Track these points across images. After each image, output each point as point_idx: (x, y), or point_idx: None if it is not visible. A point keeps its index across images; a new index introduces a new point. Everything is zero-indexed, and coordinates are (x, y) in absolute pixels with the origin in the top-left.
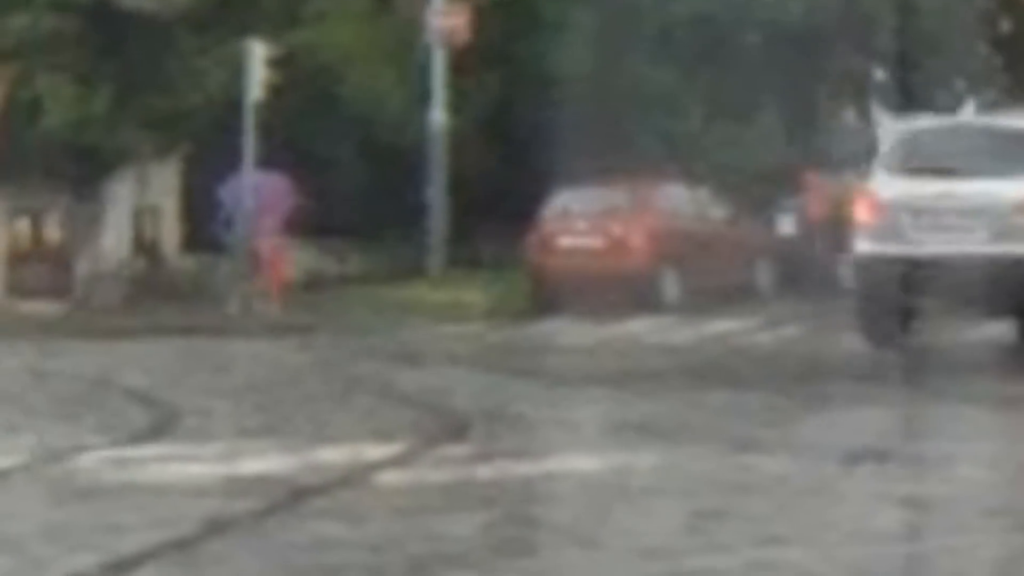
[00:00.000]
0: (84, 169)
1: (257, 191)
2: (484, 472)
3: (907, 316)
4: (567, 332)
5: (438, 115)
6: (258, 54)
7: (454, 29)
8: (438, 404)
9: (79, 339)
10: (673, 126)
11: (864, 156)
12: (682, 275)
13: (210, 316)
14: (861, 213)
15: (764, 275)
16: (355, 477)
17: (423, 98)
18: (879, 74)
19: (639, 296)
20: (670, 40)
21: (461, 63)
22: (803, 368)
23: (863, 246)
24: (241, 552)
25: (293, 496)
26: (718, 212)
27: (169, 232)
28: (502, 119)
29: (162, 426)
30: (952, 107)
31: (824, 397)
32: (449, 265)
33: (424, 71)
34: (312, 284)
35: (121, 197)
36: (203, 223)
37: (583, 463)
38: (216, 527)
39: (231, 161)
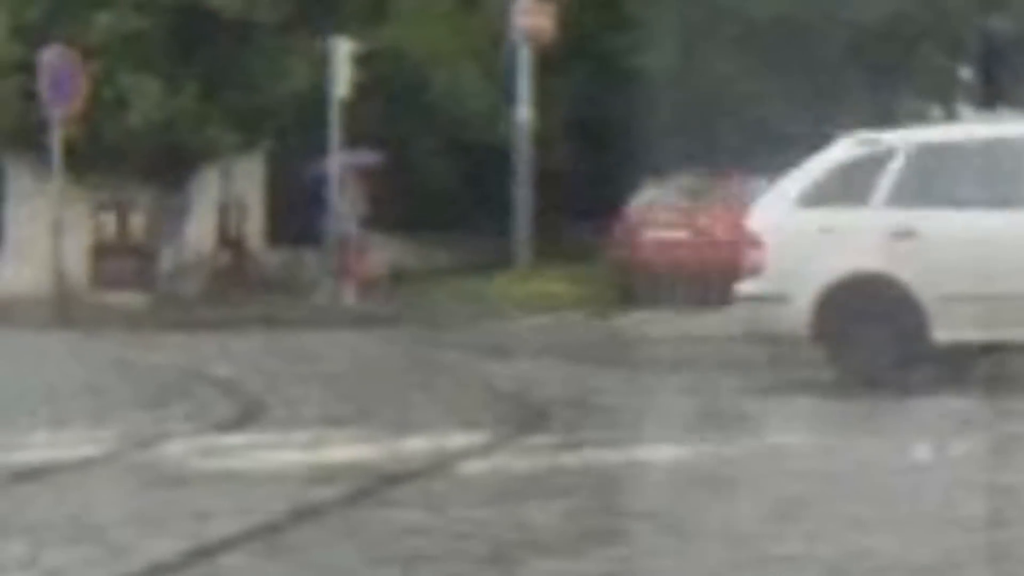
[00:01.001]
0: (170, 164)
1: (343, 178)
2: (569, 460)
3: None
4: (652, 323)
5: (524, 111)
6: (344, 51)
7: (540, 27)
8: (523, 394)
9: (164, 331)
10: (756, 121)
11: None
12: None
13: (295, 308)
14: None
15: None
16: (440, 466)
17: (509, 95)
18: (964, 72)
19: (724, 288)
20: (754, 36)
21: (547, 60)
22: None
23: None
24: (326, 539)
25: (378, 484)
26: None
27: (253, 225)
28: (588, 115)
29: (248, 415)
30: None
31: (908, 385)
32: (535, 258)
33: (510, 68)
34: (399, 277)
35: (206, 191)
36: (287, 217)
37: (668, 452)
38: (301, 514)
39: (316, 157)
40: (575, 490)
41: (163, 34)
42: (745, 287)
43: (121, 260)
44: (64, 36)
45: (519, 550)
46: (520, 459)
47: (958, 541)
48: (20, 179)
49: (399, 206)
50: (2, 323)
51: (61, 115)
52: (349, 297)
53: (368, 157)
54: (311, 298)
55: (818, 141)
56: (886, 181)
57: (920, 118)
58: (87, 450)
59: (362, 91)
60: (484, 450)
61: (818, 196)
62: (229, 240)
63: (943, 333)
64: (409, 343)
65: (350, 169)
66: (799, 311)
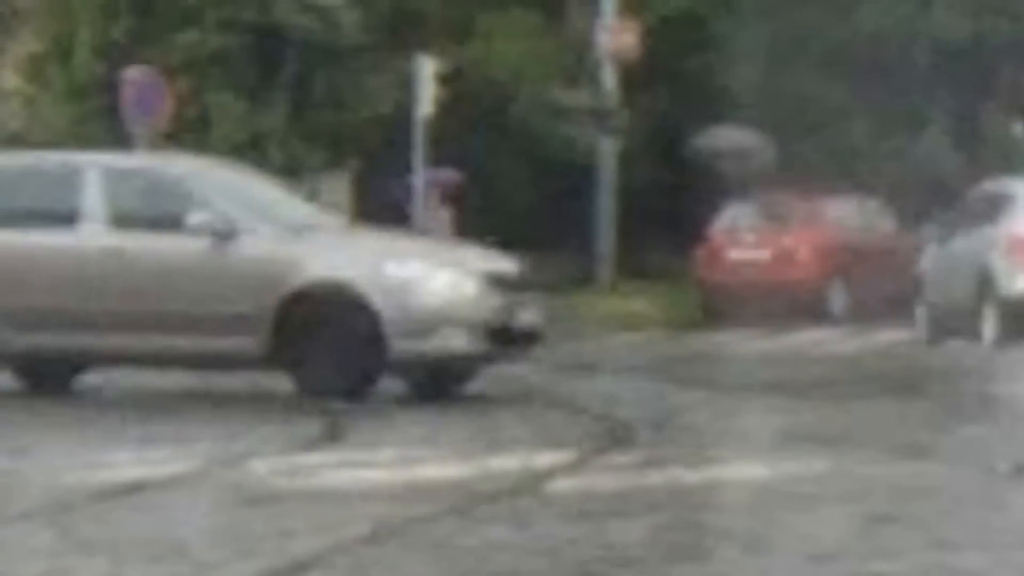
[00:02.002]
0: None
1: (427, 195)
2: (654, 479)
3: None
4: (735, 342)
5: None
6: (428, 70)
7: (624, 45)
8: (608, 412)
9: None
10: (841, 140)
11: None
12: (849, 286)
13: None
14: None
15: None
16: (526, 484)
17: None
18: None
19: (807, 307)
20: (838, 56)
21: (631, 79)
22: (969, 377)
23: None
24: (412, 557)
25: (465, 502)
26: (886, 224)
27: None
28: (672, 133)
29: (333, 433)
30: None
31: (990, 406)
32: (617, 276)
33: (594, 87)
34: None
35: None
36: None
37: (752, 470)
38: (387, 532)
39: (400, 176)
40: (660, 508)
41: (247, 53)
42: None
43: None
44: (147, 55)
45: (605, 567)
46: (606, 477)
47: None
48: None
49: (483, 224)
50: None
51: (145, 134)
52: None
53: (450, 174)
54: None
55: (901, 160)
56: None
57: (1004, 134)
58: (173, 468)
59: (446, 109)
60: (570, 468)
61: None
62: None
63: None
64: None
65: (434, 186)
66: None
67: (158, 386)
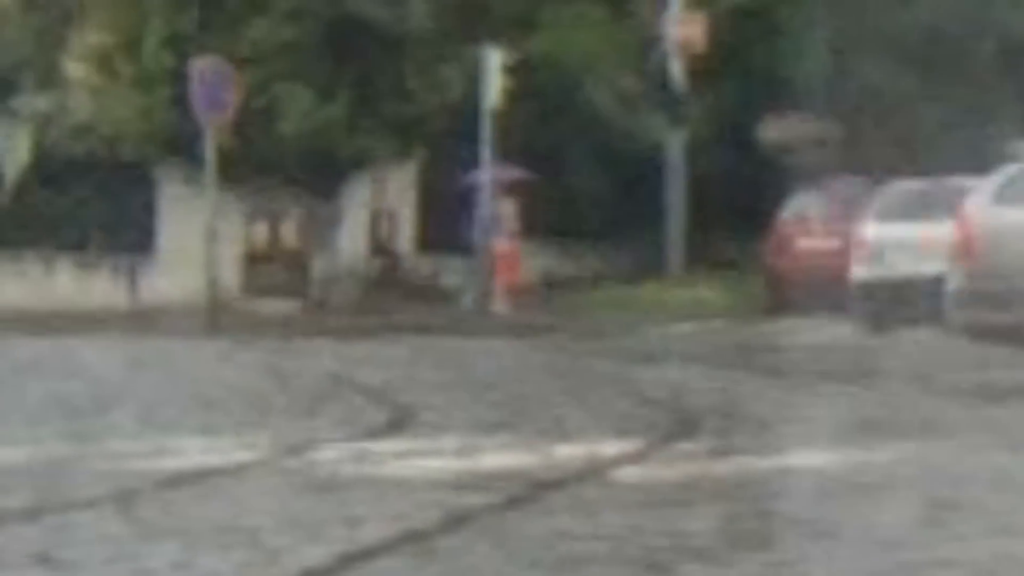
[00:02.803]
0: (321, 173)
1: (493, 191)
2: (721, 468)
3: None
4: (803, 331)
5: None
6: (495, 61)
7: (691, 37)
8: (675, 401)
9: (315, 337)
10: (908, 129)
11: None
12: None
13: (446, 315)
14: None
15: None
16: (592, 473)
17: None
18: None
19: None
20: (904, 47)
21: (698, 69)
22: None
23: None
24: (478, 545)
25: (530, 490)
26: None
27: (405, 234)
28: (739, 123)
29: (399, 421)
30: None
31: None
32: (687, 265)
33: (661, 78)
34: (551, 285)
35: (358, 200)
36: (438, 225)
37: (819, 459)
38: (453, 521)
39: (467, 166)
40: (726, 496)
41: (316, 44)
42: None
43: (274, 269)
44: (216, 46)
45: (671, 556)
46: (672, 466)
47: None
48: (172, 188)
49: (551, 215)
50: (155, 331)
51: (213, 124)
52: (499, 305)
53: (518, 172)
54: (460, 305)
55: (968, 150)
56: None
57: None
58: (239, 456)
59: (514, 100)
60: (636, 457)
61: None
62: (380, 248)
63: None
64: (562, 350)
65: (500, 182)
66: None
67: (223, 373)
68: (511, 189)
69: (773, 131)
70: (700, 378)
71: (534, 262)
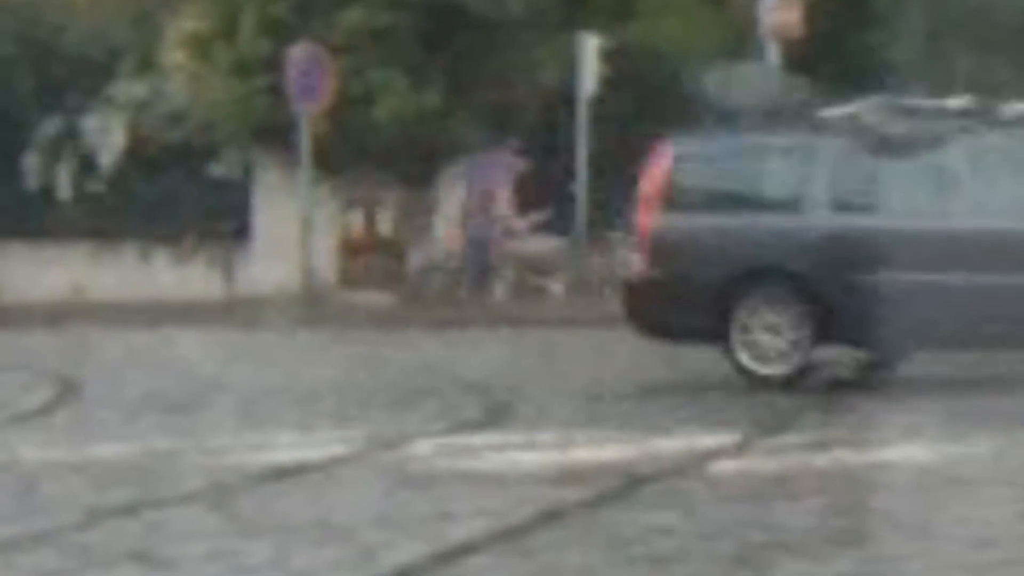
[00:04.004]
0: (417, 160)
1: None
2: (818, 461)
3: None
4: None
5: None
6: (591, 47)
7: (787, 23)
8: (772, 394)
9: (412, 329)
10: None
11: None
12: None
13: (543, 305)
14: None
15: None
16: (689, 466)
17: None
18: None
19: None
20: (999, 35)
21: (793, 56)
22: None
23: None
24: (574, 540)
25: (627, 485)
26: None
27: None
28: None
29: (495, 415)
30: None
31: None
32: None
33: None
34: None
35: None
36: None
37: (917, 453)
38: (549, 515)
39: (563, 154)
40: (824, 491)
41: (411, 30)
42: None
43: (369, 259)
44: (311, 32)
45: (767, 551)
46: (769, 459)
47: None
48: (268, 176)
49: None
50: (250, 322)
51: (309, 111)
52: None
53: (515, 159)
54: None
55: None
56: None
57: None
58: (335, 450)
59: (610, 87)
60: (733, 450)
61: None
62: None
63: None
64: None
65: (501, 170)
66: None
67: (319, 365)
68: (512, 180)
69: (867, 119)
70: None
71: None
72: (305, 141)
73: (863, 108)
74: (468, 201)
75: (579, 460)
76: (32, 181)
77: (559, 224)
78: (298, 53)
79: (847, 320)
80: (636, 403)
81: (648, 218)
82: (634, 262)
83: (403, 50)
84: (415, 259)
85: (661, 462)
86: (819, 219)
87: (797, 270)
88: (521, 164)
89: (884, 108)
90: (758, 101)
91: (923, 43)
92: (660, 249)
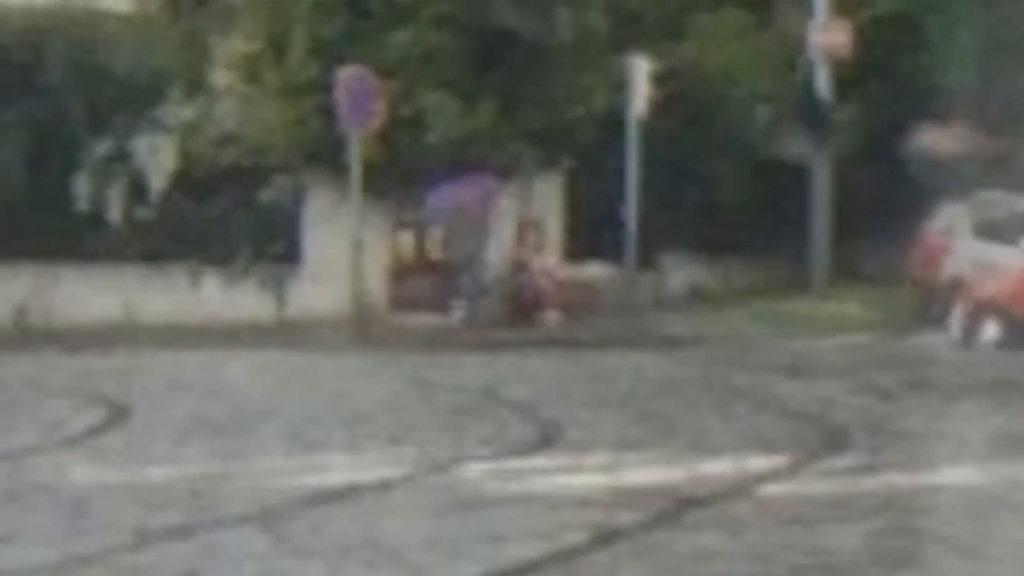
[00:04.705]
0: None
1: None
2: (868, 484)
3: None
4: (951, 345)
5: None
6: (642, 69)
7: (837, 45)
8: (821, 416)
9: (462, 351)
10: None
11: None
12: None
13: (594, 329)
14: None
15: None
16: (739, 489)
17: (805, 114)
18: None
19: None
20: None
21: (843, 78)
22: None
23: None
24: (625, 563)
25: (677, 507)
26: None
27: (551, 244)
28: (885, 133)
29: (545, 437)
30: None
31: None
32: (833, 279)
33: (807, 87)
34: (696, 298)
35: (504, 211)
36: (586, 236)
37: (967, 475)
38: (599, 539)
39: (614, 176)
40: (874, 513)
41: (461, 52)
42: None
43: (419, 281)
44: (361, 55)
45: (818, 573)
46: (819, 482)
47: None
48: (319, 198)
49: (697, 227)
50: (301, 344)
51: (359, 134)
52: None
53: (486, 184)
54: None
55: None
56: None
57: None
58: (385, 472)
59: (659, 109)
60: (783, 473)
61: None
62: (527, 259)
63: None
64: (707, 364)
65: (473, 198)
66: None
67: (370, 388)
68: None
69: (921, 142)
70: (846, 392)
71: (679, 275)
72: (355, 163)
73: None
74: (445, 228)
75: (629, 483)
76: (82, 204)
77: (609, 248)
78: (348, 75)
79: None
80: (686, 426)
81: None
82: None
83: (453, 72)
84: (464, 281)
85: (711, 485)
86: None
87: None
88: (501, 190)
89: None
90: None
91: (974, 65)
92: None
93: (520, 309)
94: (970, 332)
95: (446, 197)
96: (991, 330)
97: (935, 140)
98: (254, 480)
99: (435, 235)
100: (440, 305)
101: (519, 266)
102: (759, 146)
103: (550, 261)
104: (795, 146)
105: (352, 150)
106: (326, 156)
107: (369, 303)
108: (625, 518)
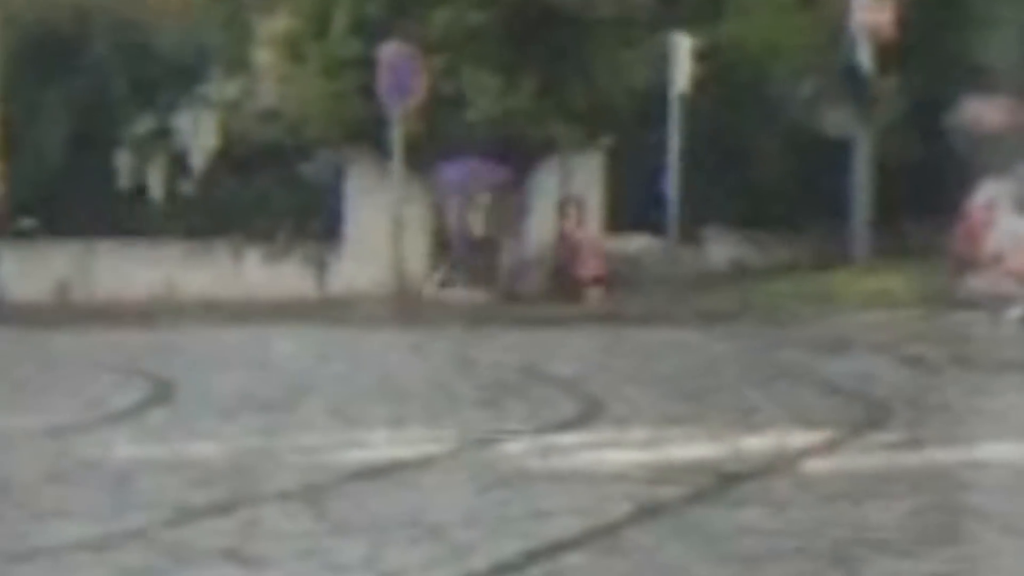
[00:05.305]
0: (509, 160)
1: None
2: (910, 460)
3: None
4: (992, 322)
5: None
6: (684, 47)
7: (880, 23)
8: (863, 391)
9: (504, 328)
10: None
11: None
12: None
13: (635, 304)
14: None
15: None
16: (781, 464)
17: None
18: None
19: None
20: None
21: (887, 55)
22: None
23: None
24: (667, 539)
25: (719, 483)
26: None
27: (593, 222)
28: (927, 109)
29: (587, 413)
30: None
31: None
32: (874, 254)
33: (849, 63)
34: (737, 272)
35: (546, 188)
36: (627, 213)
37: (1010, 451)
38: (642, 514)
39: (655, 153)
40: (916, 489)
41: (502, 29)
42: None
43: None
44: (402, 31)
45: (860, 549)
46: (861, 457)
47: None
48: (360, 175)
49: (738, 203)
50: (344, 321)
51: (400, 111)
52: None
53: (494, 171)
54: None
55: None
56: None
57: None
58: (427, 449)
59: (702, 86)
60: (825, 448)
61: None
62: (569, 234)
63: None
64: (749, 340)
65: (479, 181)
66: None
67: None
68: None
69: (963, 117)
70: (888, 368)
71: (721, 250)
72: (397, 140)
73: None
74: (447, 210)
75: (671, 458)
76: (124, 180)
77: (651, 223)
78: (390, 52)
79: None
80: (727, 401)
81: None
82: None
83: (494, 50)
84: (506, 258)
85: (752, 460)
86: None
87: None
88: (499, 171)
89: None
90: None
91: (1017, 40)
92: None
93: (562, 284)
94: (997, 305)
95: (453, 175)
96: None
97: (978, 115)
98: (296, 456)
99: (477, 211)
100: (482, 281)
101: (561, 241)
102: (801, 121)
103: (592, 235)
104: (837, 121)
105: (393, 127)
106: (367, 133)
107: (410, 280)
108: (667, 494)
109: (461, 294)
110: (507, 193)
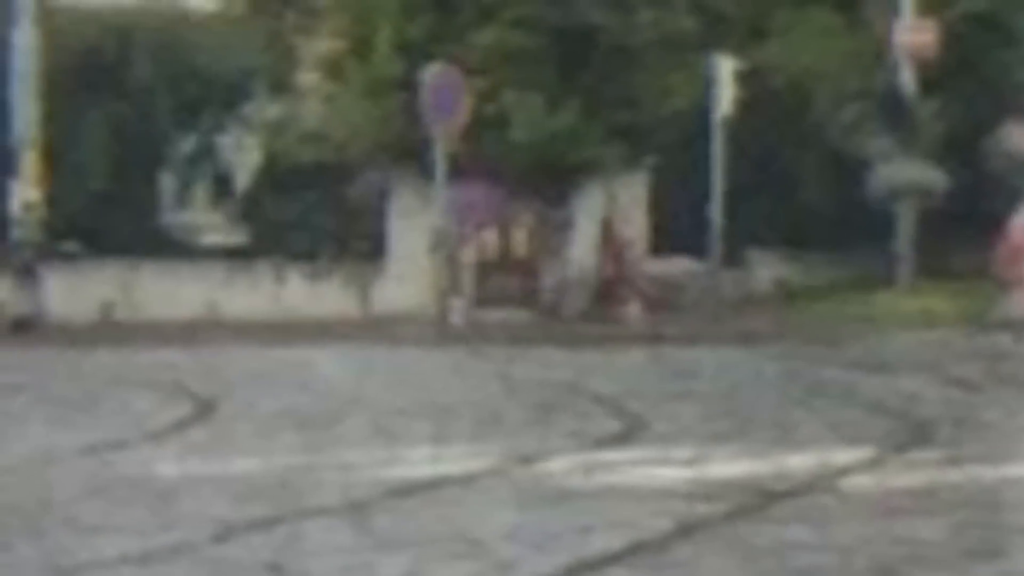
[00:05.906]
0: (552, 180)
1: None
2: (953, 477)
3: None
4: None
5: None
6: (727, 69)
7: (922, 44)
8: (905, 410)
9: (547, 346)
10: None
11: None
12: None
13: (678, 324)
14: None
15: None
16: (823, 482)
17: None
18: None
19: None
20: None
21: (930, 77)
22: None
23: None
24: (708, 555)
25: (761, 500)
26: None
27: (637, 242)
28: (971, 131)
29: (630, 431)
30: None
31: None
32: (918, 274)
33: (890, 85)
34: (781, 294)
35: (589, 208)
36: (671, 233)
37: None
38: (684, 530)
39: (699, 175)
40: (958, 506)
41: (545, 52)
42: None
43: (504, 278)
44: (446, 54)
45: (902, 566)
46: (903, 475)
47: None
48: (404, 195)
49: (782, 223)
50: (386, 340)
51: (444, 132)
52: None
53: (474, 192)
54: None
55: None
56: None
57: None
58: (470, 465)
59: (744, 108)
60: (867, 466)
61: None
62: (613, 255)
63: None
64: (792, 359)
65: (483, 203)
66: None
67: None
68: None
69: (1007, 140)
70: (931, 387)
71: (764, 271)
72: (440, 160)
73: None
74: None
75: (713, 476)
76: (168, 200)
77: (694, 244)
78: (433, 74)
79: None
80: (770, 419)
81: None
82: None
83: (537, 72)
84: (549, 277)
85: (795, 478)
86: None
87: None
88: (505, 195)
89: None
90: None
91: None
92: None
93: (605, 305)
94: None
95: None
96: None
97: (1019, 137)
98: (339, 473)
99: (520, 233)
100: (524, 301)
101: (604, 262)
102: (844, 144)
103: (636, 256)
104: (879, 144)
105: (437, 148)
106: (410, 154)
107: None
108: (709, 510)
109: (499, 315)
110: (549, 214)
